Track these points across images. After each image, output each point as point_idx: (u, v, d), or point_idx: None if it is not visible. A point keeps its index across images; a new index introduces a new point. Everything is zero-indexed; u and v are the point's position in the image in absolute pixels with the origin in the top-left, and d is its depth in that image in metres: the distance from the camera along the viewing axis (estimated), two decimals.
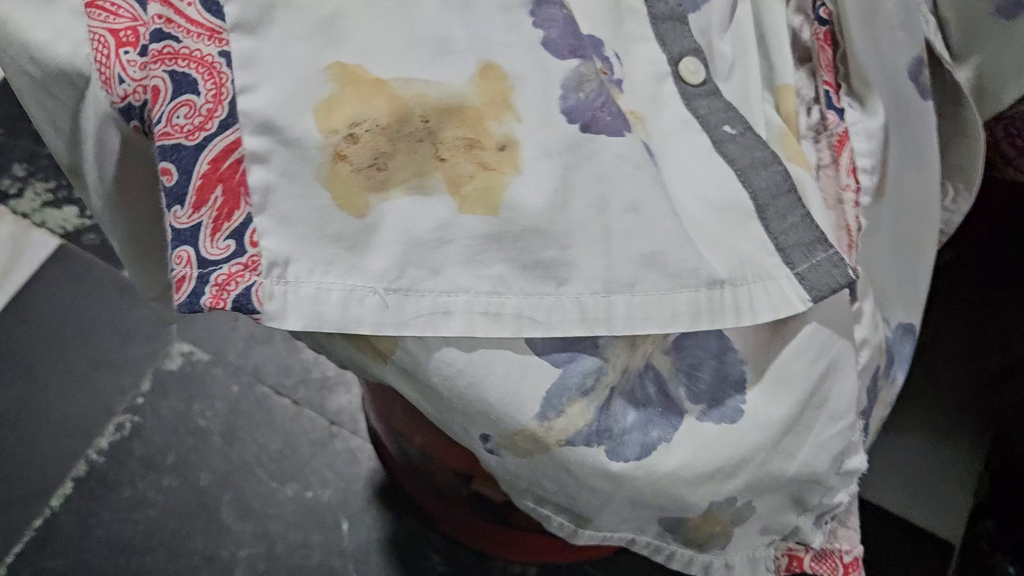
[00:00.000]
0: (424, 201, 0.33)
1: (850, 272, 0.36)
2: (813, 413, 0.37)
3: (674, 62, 0.39)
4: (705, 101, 0.39)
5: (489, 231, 0.33)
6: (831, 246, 0.36)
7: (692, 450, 0.35)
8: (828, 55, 0.41)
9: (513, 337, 0.33)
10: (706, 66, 0.39)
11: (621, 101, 0.37)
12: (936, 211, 0.46)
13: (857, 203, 0.40)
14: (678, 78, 0.39)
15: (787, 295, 0.36)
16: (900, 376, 0.47)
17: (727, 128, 0.38)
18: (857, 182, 0.40)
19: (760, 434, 0.36)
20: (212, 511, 0.89)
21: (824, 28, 0.41)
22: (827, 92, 0.41)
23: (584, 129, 0.33)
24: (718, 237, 0.36)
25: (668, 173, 0.37)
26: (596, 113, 0.34)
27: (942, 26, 0.45)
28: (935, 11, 0.45)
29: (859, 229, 0.40)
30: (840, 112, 0.41)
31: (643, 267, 0.33)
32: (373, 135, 0.31)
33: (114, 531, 0.87)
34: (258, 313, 0.31)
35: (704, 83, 0.39)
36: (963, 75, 0.45)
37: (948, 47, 0.45)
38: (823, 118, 0.41)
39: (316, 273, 0.32)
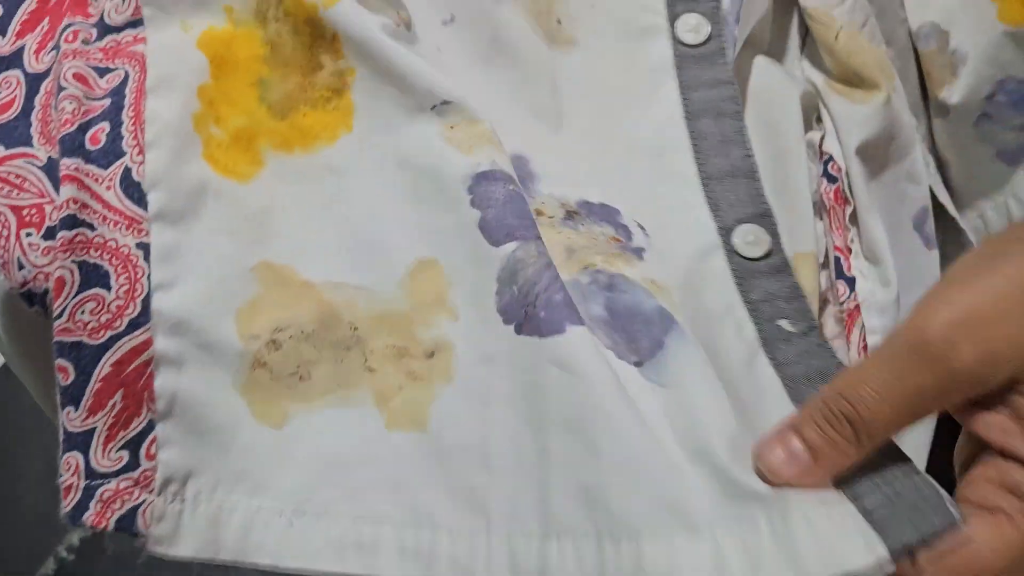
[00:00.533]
0: (348, 415, 0.30)
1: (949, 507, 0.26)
2: None
3: (727, 232, 0.33)
4: (764, 282, 0.33)
5: (417, 450, 0.29)
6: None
7: None
8: (840, 216, 0.37)
9: None
10: (773, 235, 0.33)
11: (634, 269, 0.32)
12: None
13: None
14: (731, 251, 0.33)
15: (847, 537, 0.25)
16: None
17: (783, 323, 0.32)
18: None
19: None
20: None
21: (834, 186, 0.37)
22: (837, 259, 0.37)
23: (519, 331, 0.30)
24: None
25: (688, 366, 0.30)
26: (528, 311, 0.29)
27: (942, 167, 0.42)
28: (934, 152, 0.42)
29: None
30: (851, 282, 0.37)
31: (586, 506, 0.28)
32: (297, 342, 0.29)
33: None
34: (140, 536, 0.29)
35: (767, 256, 0.33)
36: (968, 223, 0.42)
37: (949, 188, 0.42)
38: (832, 287, 0.37)
39: (220, 490, 0.29)
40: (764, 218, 0.33)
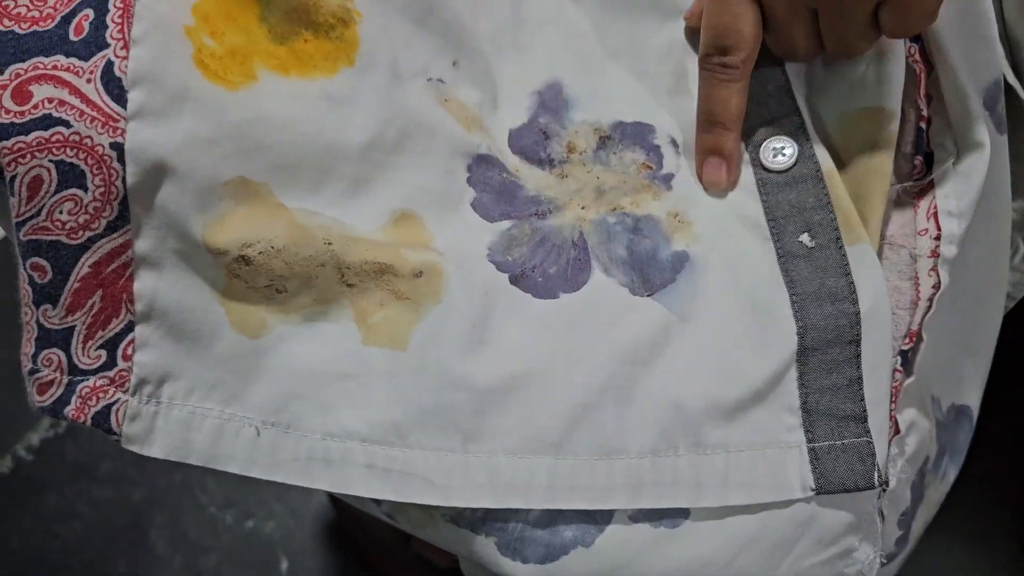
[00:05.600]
0: (326, 329, 0.32)
1: (875, 476, 0.32)
2: (792, 530, 0.33)
3: (756, 146, 0.37)
4: (790, 193, 0.36)
5: (393, 368, 0.32)
6: (867, 432, 0.33)
7: (615, 559, 0.32)
8: (922, 80, 0.38)
9: (398, 501, 0.32)
10: (800, 143, 0.36)
11: (661, 203, 0.36)
12: (1004, 270, 0.43)
13: (936, 253, 0.36)
14: (757, 163, 0.37)
15: (786, 473, 0.33)
16: (952, 470, 0.44)
17: (804, 238, 0.35)
18: (938, 227, 0.36)
19: (707, 545, 0.32)
20: (141, 533, 0.89)
21: (917, 45, 0.38)
22: (920, 131, 0.38)
23: (513, 282, 0.33)
24: (732, 367, 0.33)
25: (706, 286, 0.34)
26: (527, 272, 0.33)
27: (1012, 49, 0.41)
28: (1003, 31, 0.41)
29: (935, 287, 0.36)
30: (927, 157, 0.38)
31: (573, 423, 0.32)
32: (267, 257, 0.31)
33: (31, 542, 0.88)
34: (115, 435, 0.31)
35: (793, 167, 0.36)
36: None
37: (1018, 74, 0.41)
38: (912, 164, 0.38)
39: (194, 396, 0.32)
40: (793, 124, 0.36)
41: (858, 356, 0.33)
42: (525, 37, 0.39)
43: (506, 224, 0.35)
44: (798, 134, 0.36)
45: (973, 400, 0.44)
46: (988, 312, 0.43)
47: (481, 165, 0.35)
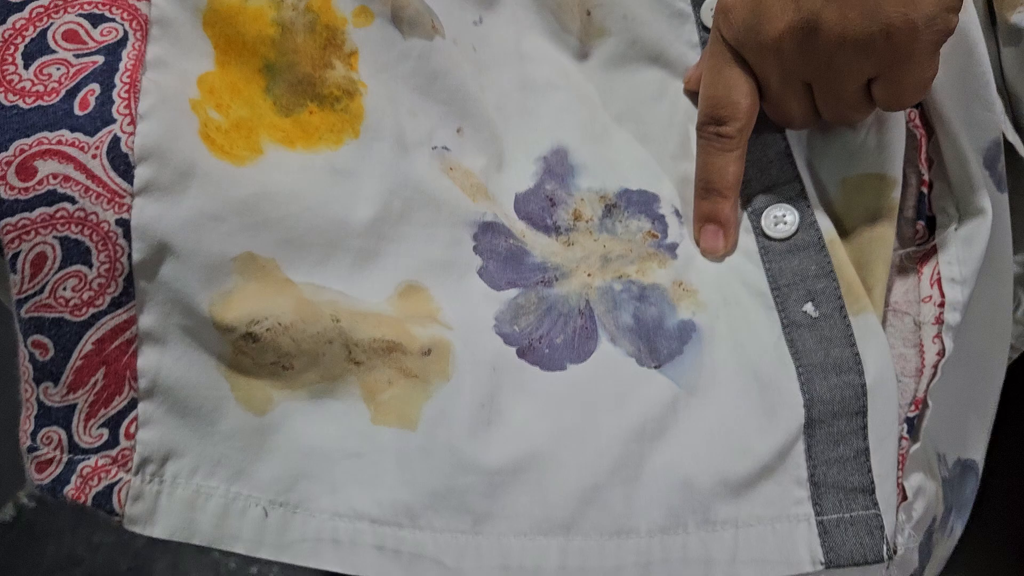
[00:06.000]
0: (333, 406, 0.32)
1: (884, 549, 0.32)
2: None
3: (757, 213, 0.38)
4: (792, 261, 0.36)
5: (403, 447, 0.31)
6: (875, 504, 0.33)
7: None
8: (922, 144, 0.38)
9: None
10: (801, 210, 0.37)
11: (667, 271, 0.36)
12: (1007, 324, 0.43)
13: (940, 320, 0.37)
14: (759, 231, 0.37)
15: (795, 546, 0.32)
16: (959, 526, 0.44)
17: (808, 307, 0.35)
18: (942, 294, 0.37)
19: None
20: None
21: (917, 110, 0.38)
22: (922, 195, 0.38)
23: (521, 355, 0.33)
24: (740, 441, 0.33)
25: (713, 359, 0.34)
26: (534, 343, 0.33)
27: (1011, 104, 0.41)
28: (1002, 86, 0.41)
29: (940, 354, 0.36)
30: (929, 222, 0.38)
31: (582, 503, 0.32)
32: (274, 334, 0.31)
33: None
34: (117, 515, 0.31)
35: (795, 234, 0.37)
36: None
37: (1018, 128, 0.41)
38: (914, 229, 0.38)
39: (199, 474, 0.31)
40: (795, 196, 0.37)
41: (865, 427, 0.33)
42: (531, 102, 0.39)
43: (513, 292, 0.35)
44: (799, 201, 0.37)
45: (978, 453, 0.44)
46: (991, 367, 0.43)
47: (487, 233, 0.35)
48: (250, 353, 0.31)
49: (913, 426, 0.36)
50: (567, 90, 0.40)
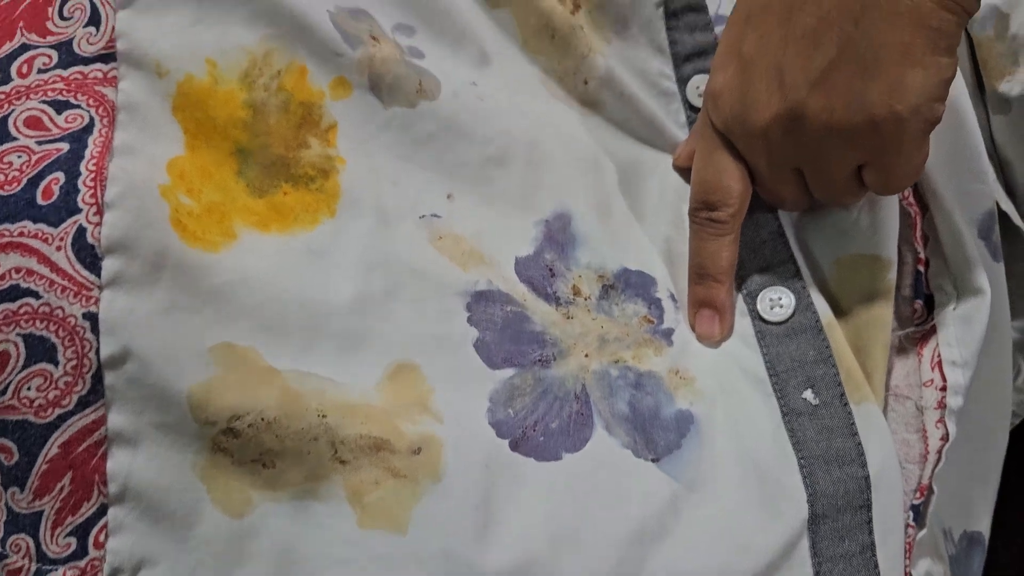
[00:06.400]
0: (316, 509, 0.30)
1: None
2: None
3: (752, 296, 0.37)
4: (790, 345, 0.35)
5: (394, 553, 0.30)
6: None
7: None
8: (917, 223, 0.38)
9: None
10: (797, 293, 0.36)
11: (662, 359, 0.35)
12: (1008, 394, 0.43)
13: (942, 404, 0.36)
14: (755, 315, 0.37)
15: None
16: None
17: (808, 394, 0.34)
18: (943, 377, 0.36)
19: None
20: None
21: (911, 188, 0.38)
22: (919, 273, 0.38)
23: (514, 447, 0.31)
24: (743, 538, 0.32)
25: (712, 452, 0.33)
26: (528, 432, 0.32)
27: (1003, 171, 0.42)
28: (993, 154, 0.41)
29: (944, 439, 0.35)
30: (927, 300, 0.38)
31: None
32: (257, 431, 0.29)
33: None
34: None
35: (791, 318, 0.36)
36: None
37: (1011, 195, 0.41)
38: (911, 308, 0.38)
39: None
40: (790, 278, 0.36)
41: (870, 521, 0.32)
42: (535, 155, 0.38)
43: (509, 372, 0.33)
44: (795, 282, 0.36)
45: (984, 524, 0.43)
46: (994, 438, 0.43)
47: (480, 303, 0.34)
48: (230, 449, 0.29)
49: (919, 512, 0.35)
50: (574, 149, 0.39)
